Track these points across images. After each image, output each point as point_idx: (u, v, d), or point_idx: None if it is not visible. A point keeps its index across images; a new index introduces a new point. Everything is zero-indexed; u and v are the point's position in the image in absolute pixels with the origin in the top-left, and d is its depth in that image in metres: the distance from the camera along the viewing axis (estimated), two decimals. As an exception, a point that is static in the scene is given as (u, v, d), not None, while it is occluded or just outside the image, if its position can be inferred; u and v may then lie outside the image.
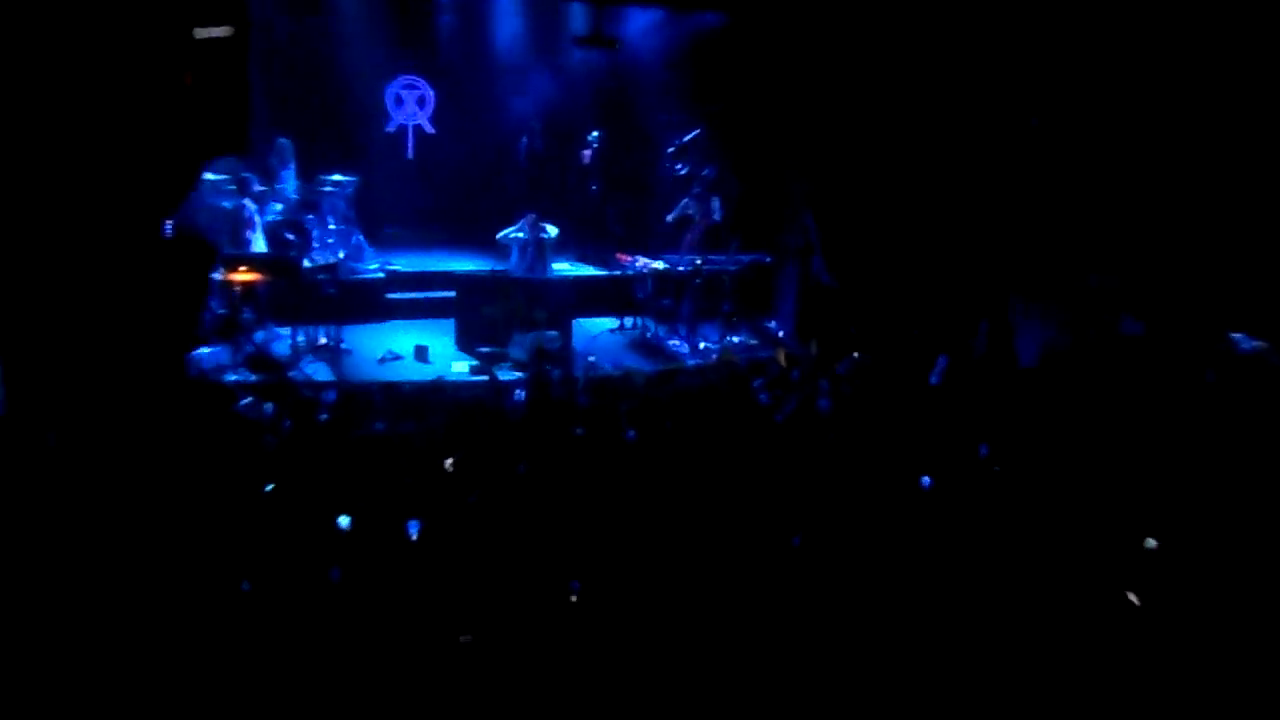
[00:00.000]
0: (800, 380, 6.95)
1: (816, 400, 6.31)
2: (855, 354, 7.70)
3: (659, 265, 10.04)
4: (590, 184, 11.60)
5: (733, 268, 9.74)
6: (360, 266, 10.43)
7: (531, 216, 10.02)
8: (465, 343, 9.43)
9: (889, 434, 5.35)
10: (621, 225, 12.35)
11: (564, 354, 8.66)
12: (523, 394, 6.70)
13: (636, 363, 9.05)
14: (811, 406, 6.21)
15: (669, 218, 10.33)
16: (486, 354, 9.11)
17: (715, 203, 10.41)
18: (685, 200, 10.26)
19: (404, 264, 10.90)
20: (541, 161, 11.87)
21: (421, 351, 9.06)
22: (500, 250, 10.26)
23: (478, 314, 9.38)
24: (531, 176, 11.77)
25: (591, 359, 8.40)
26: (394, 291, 10.39)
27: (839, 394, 6.36)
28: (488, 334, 9.32)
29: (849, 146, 9.46)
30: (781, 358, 8.10)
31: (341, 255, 10.19)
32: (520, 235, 10.04)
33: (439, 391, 6.88)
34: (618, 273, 10.77)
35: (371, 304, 10.15)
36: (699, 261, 9.68)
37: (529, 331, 9.12)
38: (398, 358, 9.00)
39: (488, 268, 9.96)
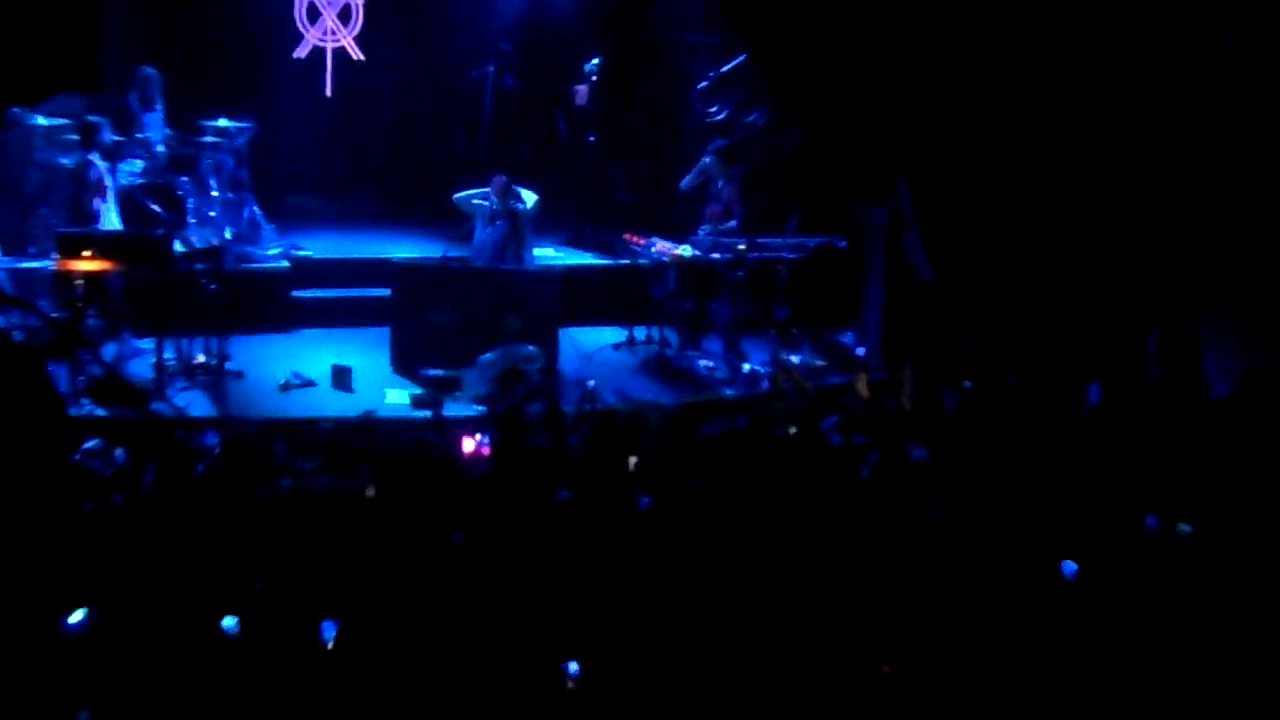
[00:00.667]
0: (890, 418, 7.11)
1: (911, 448, 6.37)
2: (967, 382, 7.72)
3: (684, 251, 10.09)
4: (586, 134, 11.65)
5: (791, 256, 9.93)
6: (256, 252, 10.53)
7: (501, 180, 10.07)
8: (405, 363, 9.53)
9: (1017, 498, 5.27)
10: (630, 192, 12.54)
11: (547, 380, 8.98)
12: (486, 439, 6.76)
13: (652, 393, 9.22)
14: (905, 457, 6.26)
15: (683, 184, 10.46)
16: (435, 379, 9.23)
17: (794, 135, 10.52)
18: (706, 158, 10.35)
19: (318, 248, 11.07)
20: (516, 102, 12.03)
21: (342, 375, 9.14)
22: (455, 225, 10.37)
23: (423, 321, 9.49)
24: (501, 123, 11.96)
25: (590, 386, 8.57)
26: (303, 289, 10.50)
27: (945, 439, 6.40)
28: (437, 350, 9.42)
29: (970, 81, 9.47)
30: (863, 386, 8.04)
31: (229, 235, 10.27)
32: (485, 206, 10.11)
33: (367, 433, 6.97)
34: (625, 262, 10.85)
35: (271, 306, 10.25)
36: (742, 246, 9.83)
37: (497, 347, 9.21)
38: (308, 384, 9.11)
39: (437, 254, 10.05)
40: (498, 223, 9.99)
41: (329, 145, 12.50)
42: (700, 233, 10.24)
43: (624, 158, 12.48)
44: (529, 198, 10.08)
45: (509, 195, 9.99)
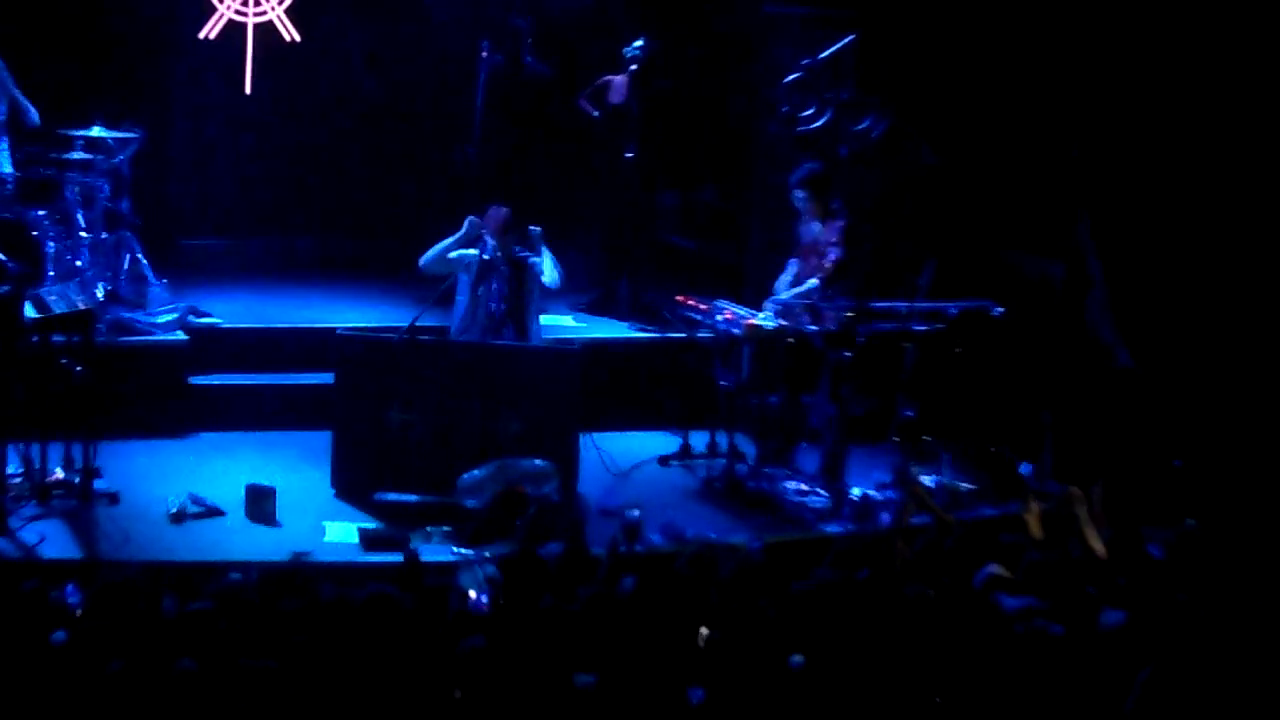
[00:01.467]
0: (1073, 570, 7.12)
1: (1104, 614, 6.55)
2: (1187, 520, 7.81)
3: (764, 321, 10.21)
4: (621, 147, 11.84)
5: (921, 327, 10.06)
6: (140, 318, 10.74)
7: (501, 215, 10.17)
8: (353, 483, 9.63)
9: (1255, 688, 5.73)
10: (685, 233, 12.87)
11: (565, 510, 8.92)
12: (484, 598, 6.84)
13: (720, 529, 9.19)
14: (1094, 626, 6.47)
15: (810, 228, 10.49)
16: (398, 508, 9.24)
17: (925, 152, 10.79)
18: (796, 191, 10.46)
19: (228, 314, 11.25)
20: (523, 99, 12.03)
21: (261, 501, 9.22)
22: (429, 281, 10.49)
23: (380, 422, 9.59)
24: (499, 131, 11.95)
25: (629, 519, 8.55)
26: (207, 373, 10.70)
27: (1150, 601, 6.54)
28: (400, 465, 9.53)
29: (1184, 79, 9.82)
30: (1033, 522, 8.06)
31: (102, 294, 10.48)
32: (473, 255, 10.24)
33: (299, 587, 6.99)
34: (677, 336, 11.00)
35: (161, 399, 10.42)
36: (849, 314, 9.89)
37: (490, 461, 9.27)
38: (212, 513, 9.20)
39: (402, 323, 10.09)
40: (494, 278, 10.06)
41: (248, 164, 12.70)
42: (787, 294, 10.39)
43: (676, 182, 12.61)
44: (536, 232, 10.17)
45: (508, 240, 10.10)
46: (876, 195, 11.12)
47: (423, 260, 10.19)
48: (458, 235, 10.11)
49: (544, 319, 10.65)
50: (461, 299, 10.13)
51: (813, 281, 10.31)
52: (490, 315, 10.03)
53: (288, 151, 12.80)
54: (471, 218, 10.12)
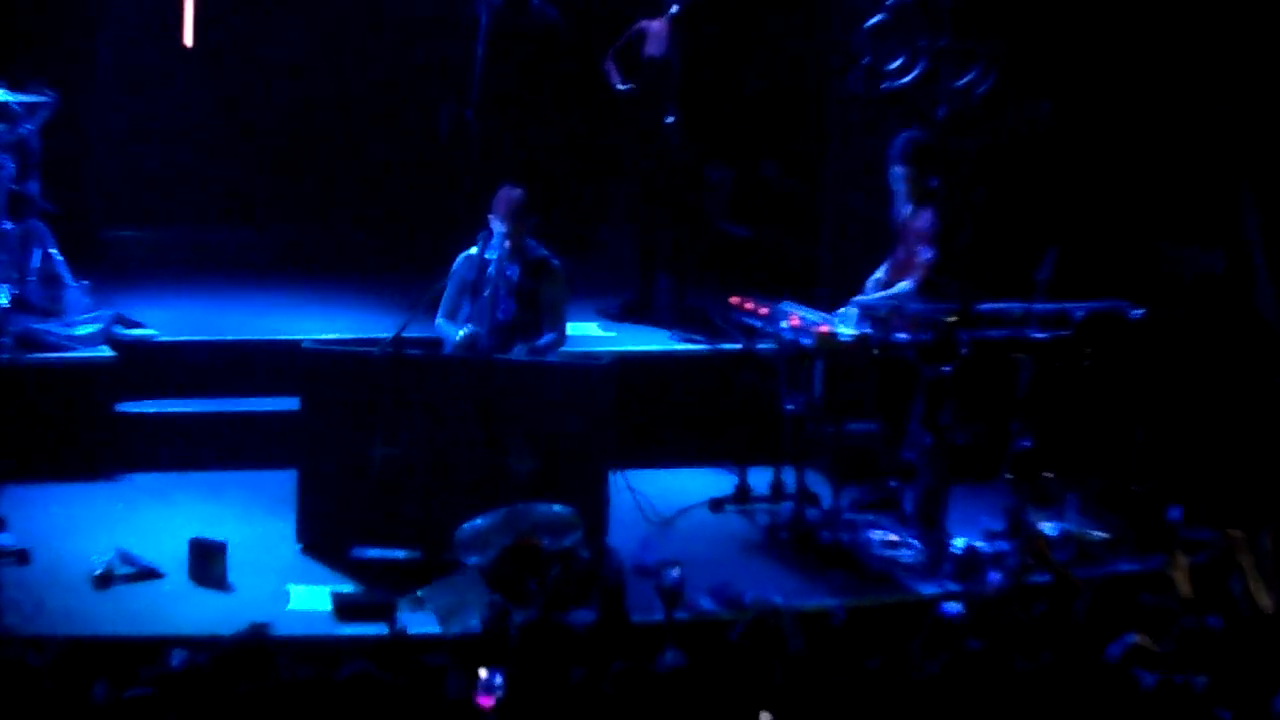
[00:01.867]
0: (1236, 636, 7.20)
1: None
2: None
3: (842, 328, 10.14)
4: (663, 109, 11.90)
5: (1040, 335, 10.10)
6: (54, 330, 10.80)
7: (513, 199, 10.03)
8: (324, 535, 9.69)
9: None
10: (741, 218, 12.99)
11: (593, 567, 9.02)
12: (498, 678, 6.80)
13: (787, 590, 9.24)
14: (1268, 710, 6.59)
15: (901, 213, 10.50)
16: (384, 566, 9.33)
17: (1044, 110, 10.84)
18: (895, 165, 10.46)
19: (164, 324, 11.36)
20: (531, 51, 12.03)
21: (208, 559, 9.24)
22: (418, 279, 10.56)
23: (358, 459, 9.61)
24: (504, 92, 11.93)
25: (671, 580, 8.49)
26: (139, 398, 10.81)
27: None
28: (384, 512, 9.59)
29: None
30: (1184, 576, 8.11)
31: (6, 300, 10.52)
32: (473, 252, 10.15)
33: (257, 666, 6.96)
34: (731, 348, 11.07)
35: (82, 431, 10.51)
36: (951, 319, 9.94)
37: (498, 507, 9.29)
38: (146, 574, 9.24)
39: (383, 334, 10.07)
40: (501, 282, 10.07)
41: (188, 136, 12.77)
42: (870, 293, 10.42)
43: (729, 154, 12.63)
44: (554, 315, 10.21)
45: (527, 227, 10.13)
46: (982, 168, 11.03)
47: (438, 324, 10.25)
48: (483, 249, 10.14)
49: (571, 328, 10.63)
50: (462, 305, 10.16)
51: (905, 284, 10.32)
52: (497, 327, 10.03)
53: (238, 121, 12.87)
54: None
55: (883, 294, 10.32)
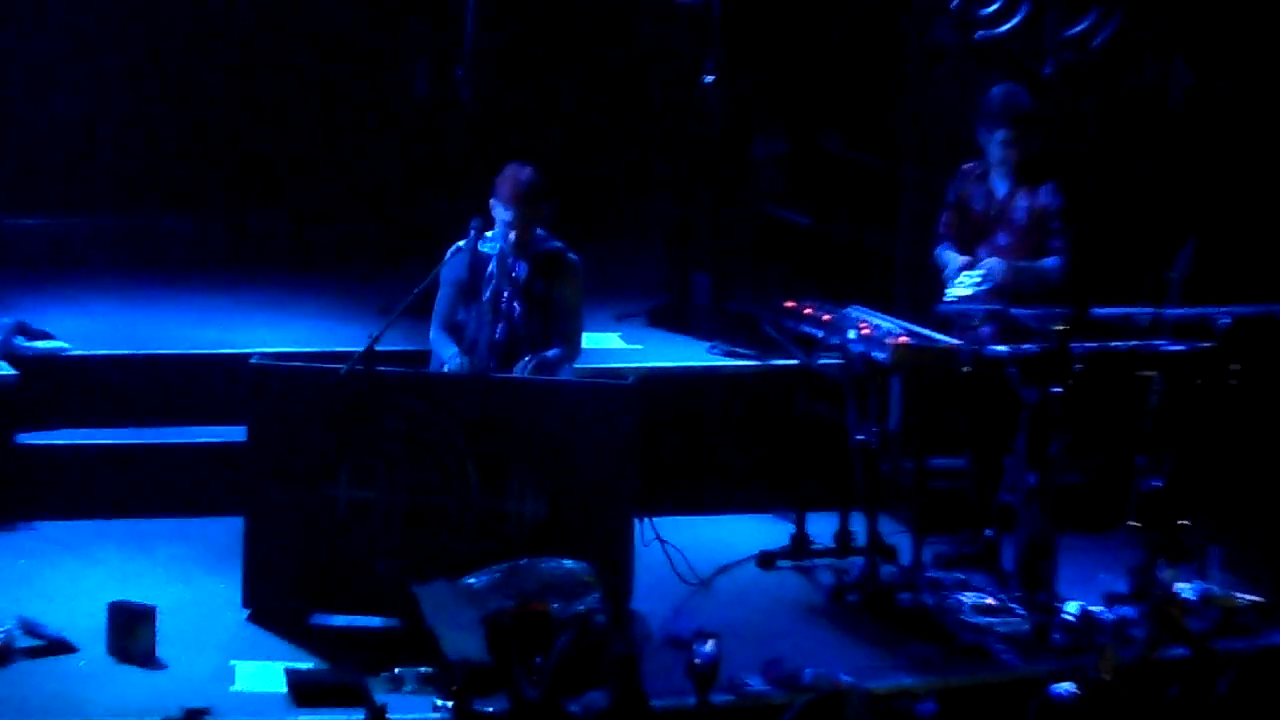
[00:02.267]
0: None
1: None
2: None
3: (921, 338, 10.22)
4: (700, 64, 11.96)
5: (1175, 347, 10.14)
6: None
7: (523, 178, 9.98)
8: (277, 596, 9.70)
9: None
10: (797, 201, 13.01)
11: (614, 638, 9.00)
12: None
13: (853, 666, 9.28)
14: None
15: (998, 190, 10.48)
16: (352, 636, 9.35)
17: (1181, 71, 10.82)
18: (998, 130, 10.34)
19: (74, 334, 11.43)
20: (537, 13, 12.40)
21: (133, 625, 9.21)
22: (400, 272, 10.64)
23: (320, 502, 9.69)
24: (502, 46, 12.14)
25: (705, 655, 8.53)
26: (43, 428, 10.89)
27: None
28: (353, 570, 9.62)
29: None
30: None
31: None
32: (461, 248, 10.22)
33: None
34: (785, 364, 11.20)
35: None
36: (1059, 326, 9.94)
37: (499, 563, 9.30)
38: (58, 647, 9.23)
39: (352, 346, 10.04)
40: (507, 279, 10.13)
41: (99, 103, 12.86)
42: (959, 294, 10.46)
43: (782, 122, 12.70)
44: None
45: (537, 213, 10.12)
46: (1098, 137, 11.06)
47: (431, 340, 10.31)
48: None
49: (588, 339, 10.71)
50: (460, 312, 10.23)
51: (1051, 260, 10.40)
52: (496, 341, 10.11)
53: (162, 84, 13.00)
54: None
55: (1026, 263, 10.34)
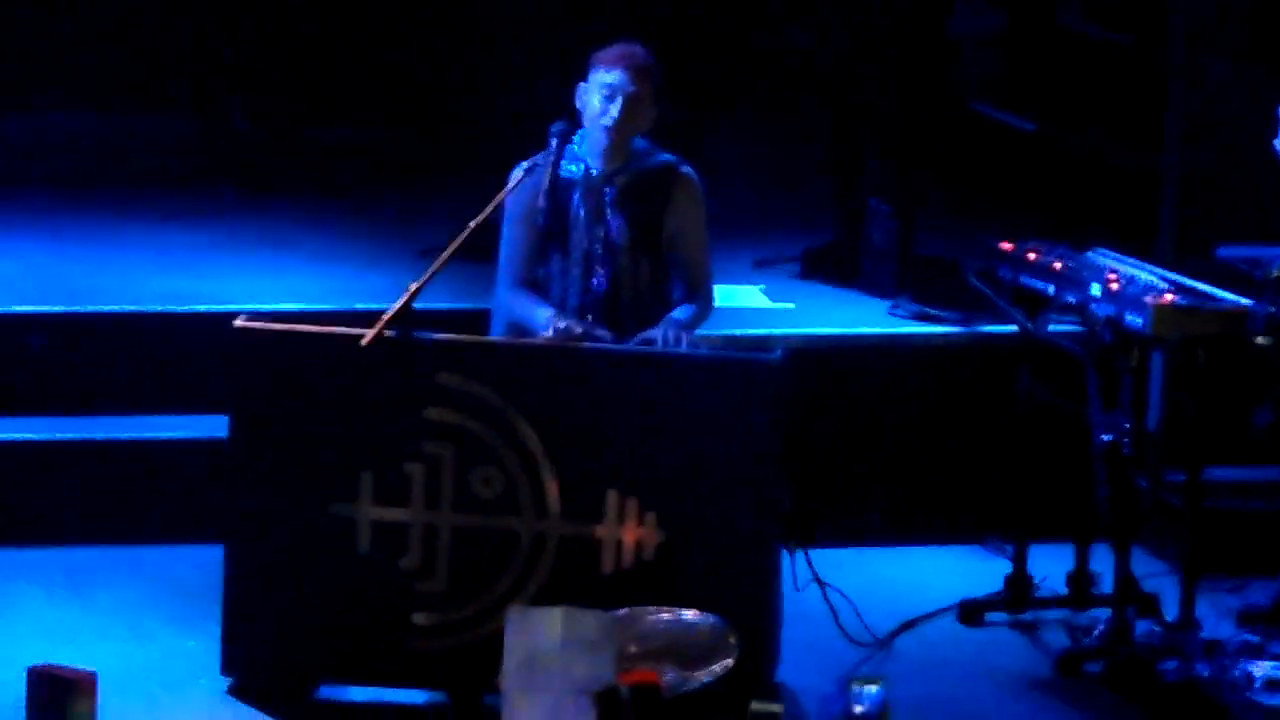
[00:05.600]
0: None
1: None
2: None
3: (1193, 296, 10.29)
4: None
5: None
6: None
7: (637, 60, 10.11)
8: (266, 662, 9.84)
9: None
10: (1014, 100, 13.34)
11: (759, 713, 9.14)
12: None
13: None
14: None
15: None
16: (371, 714, 9.51)
17: None
18: None
19: None
20: None
21: (64, 699, 9.15)
22: (435, 227, 10.77)
23: (327, 524, 9.76)
24: None
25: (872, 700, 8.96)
26: None
27: None
28: (375, 621, 9.68)
29: None
30: None
31: None
32: (539, 172, 10.31)
33: None
34: (994, 331, 11.46)
35: None
36: None
37: (586, 608, 9.14)
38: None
39: (378, 306, 10.11)
40: (596, 222, 10.23)
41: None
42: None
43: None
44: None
45: (644, 116, 10.19)
46: None
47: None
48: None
49: (725, 295, 10.91)
50: (548, 256, 10.34)
51: None
52: (592, 295, 10.24)
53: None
54: (559, 127, 10.16)
55: None
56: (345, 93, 13.33)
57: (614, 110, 9.95)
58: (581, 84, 10.05)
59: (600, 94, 9.97)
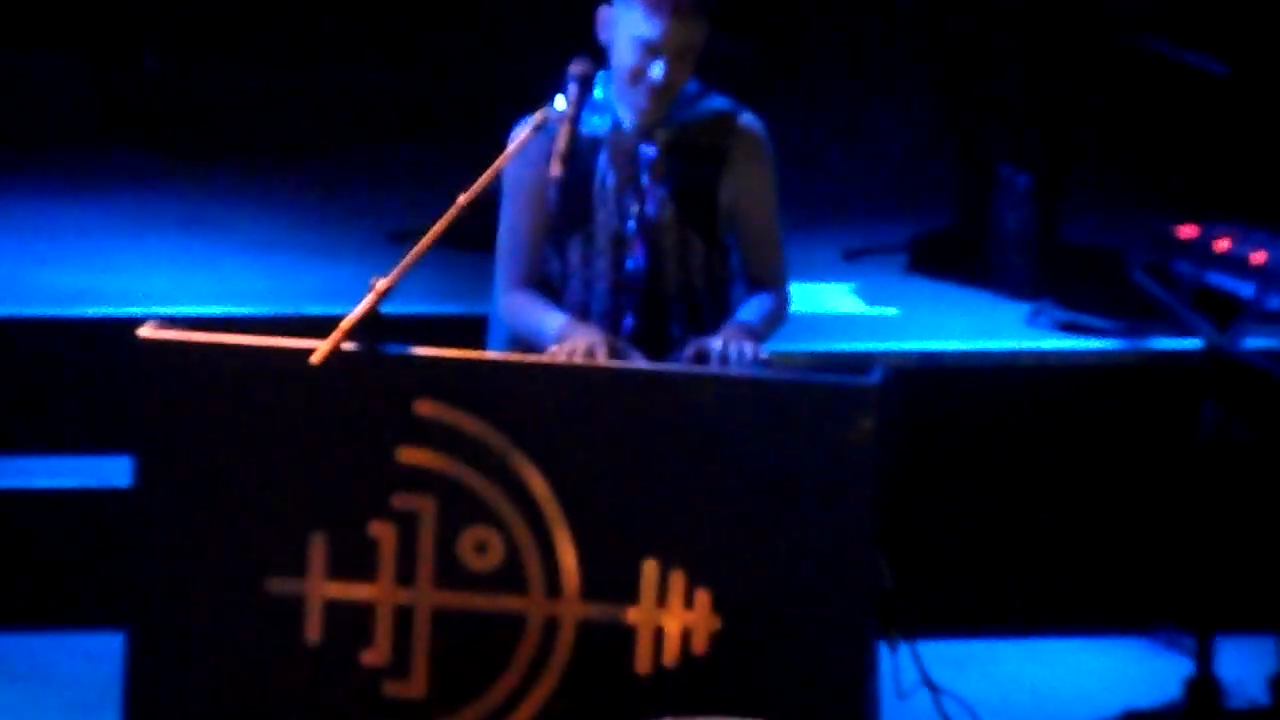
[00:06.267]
0: None
1: None
2: None
3: None
4: None
5: None
6: None
7: (659, 32, 9.67)
8: None
9: None
10: (1190, 42, 13.32)
11: None
12: None
13: None
14: None
15: None
16: None
17: None
18: None
19: None
20: None
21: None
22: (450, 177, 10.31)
23: (270, 605, 9.39)
24: None
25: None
26: None
27: None
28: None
29: None
30: None
31: None
32: (552, 127, 9.75)
33: None
34: (1169, 347, 11.15)
35: None
36: None
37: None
38: None
39: (334, 312, 9.72)
40: (635, 168, 9.86)
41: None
42: None
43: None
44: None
45: (695, 41, 9.71)
46: None
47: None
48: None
49: (814, 297, 10.98)
50: (567, 242, 10.06)
51: None
52: (615, 302, 9.80)
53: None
54: (576, 72, 9.85)
55: None
56: (293, 23, 12.84)
57: (655, 72, 9.52)
58: (605, 7, 9.63)
59: (635, 47, 9.54)
